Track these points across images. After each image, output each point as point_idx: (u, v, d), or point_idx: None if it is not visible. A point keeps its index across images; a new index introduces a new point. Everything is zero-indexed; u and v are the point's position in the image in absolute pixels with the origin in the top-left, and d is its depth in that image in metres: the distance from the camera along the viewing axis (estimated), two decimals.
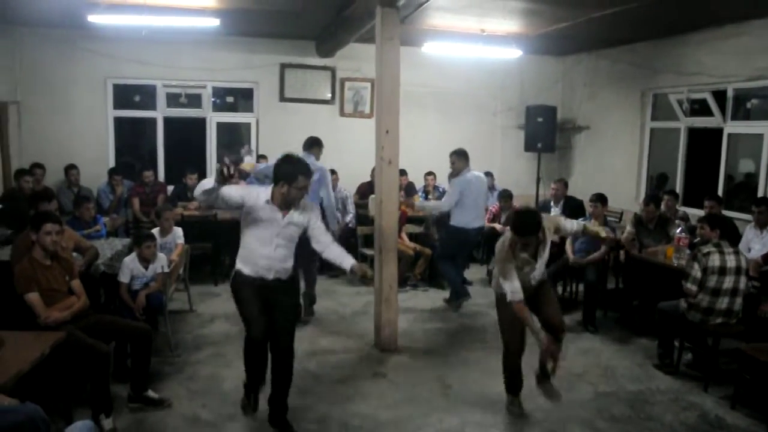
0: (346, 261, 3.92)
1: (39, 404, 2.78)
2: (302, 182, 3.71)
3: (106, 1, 6.30)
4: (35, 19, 7.70)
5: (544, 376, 4.21)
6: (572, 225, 4.48)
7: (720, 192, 7.20)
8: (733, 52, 6.94)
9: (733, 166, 7.55)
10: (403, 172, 7.70)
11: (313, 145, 6.21)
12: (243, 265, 3.86)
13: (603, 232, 4.90)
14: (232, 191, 3.73)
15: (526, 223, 3.86)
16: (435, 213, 7.65)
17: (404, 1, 5.05)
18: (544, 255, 4.04)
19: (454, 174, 6.39)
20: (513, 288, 3.83)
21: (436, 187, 8.76)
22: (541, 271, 4.09)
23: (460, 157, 6.39)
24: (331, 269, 7.21)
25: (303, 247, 4.01)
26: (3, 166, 7.87)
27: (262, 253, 3.80)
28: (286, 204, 3.77)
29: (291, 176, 3.68)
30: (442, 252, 6.90)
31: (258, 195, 3.78)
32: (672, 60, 7.87)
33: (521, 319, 3.88)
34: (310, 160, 5.52)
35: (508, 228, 5.10)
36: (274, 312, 3.84)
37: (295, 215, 3.82)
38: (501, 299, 4.04)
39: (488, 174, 9.30)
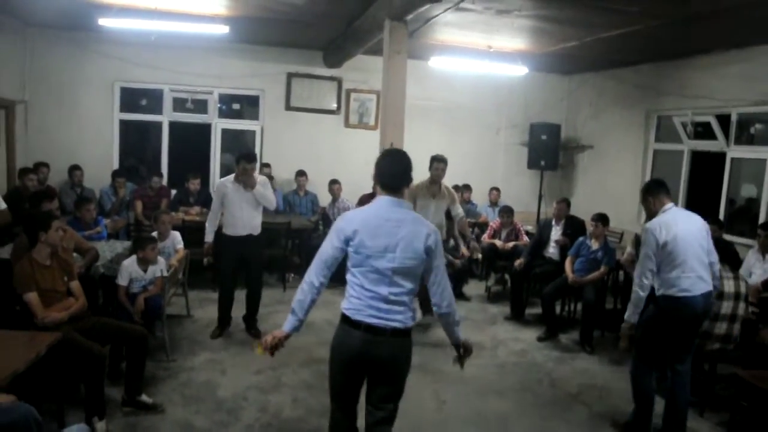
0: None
1: (32, 405, 2.78)
2: (242, 165, 5.28)
3: (117, 4, 6.36)
4: (46, 20, 7.78)
5: None
6: (459, 210, 6.30)
7: (721, 216, 7.20)
8: (739, 76, 6.98)
9: (735, 190, 7.55)
10: None
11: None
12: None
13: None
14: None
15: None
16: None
17: (413, 16, 5.08)
18: (439, 202, 6.07)
19: (649, 218, 4.29)
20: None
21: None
22: (437, 215, 5.98)
23: (650, 193, 4.25)
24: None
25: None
26: (8, 165, 7.91)
27: (235, 215, 5.52)
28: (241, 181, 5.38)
29: (237, 161, 5.38)
30: (643, 347, 4.19)
31: (225, 184, 5.50)
32: (677, 83, 7.91)
33: None
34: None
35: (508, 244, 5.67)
36: (246, 253, 5.61)
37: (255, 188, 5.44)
38: None
39: (495, 189, 9.33)
